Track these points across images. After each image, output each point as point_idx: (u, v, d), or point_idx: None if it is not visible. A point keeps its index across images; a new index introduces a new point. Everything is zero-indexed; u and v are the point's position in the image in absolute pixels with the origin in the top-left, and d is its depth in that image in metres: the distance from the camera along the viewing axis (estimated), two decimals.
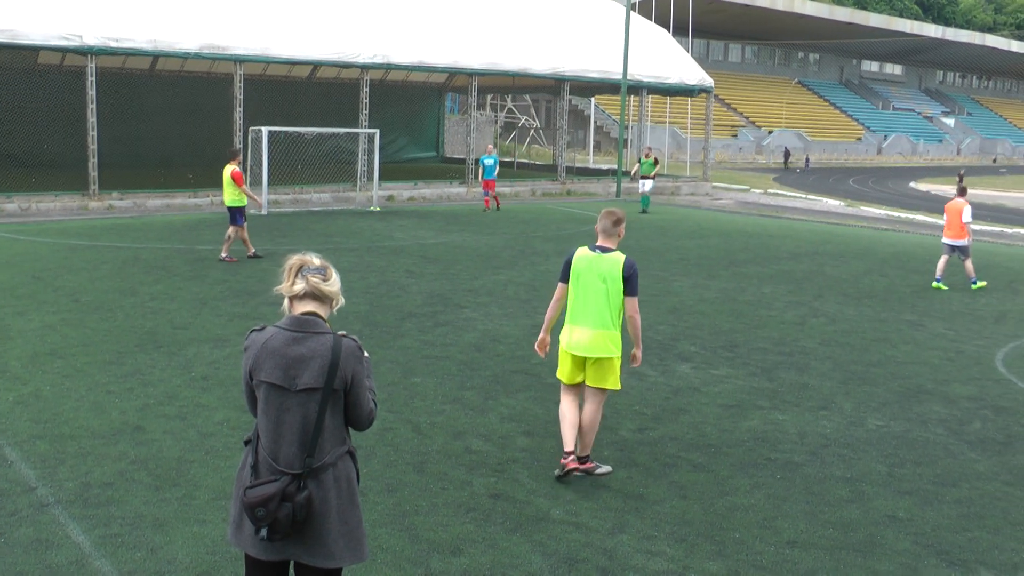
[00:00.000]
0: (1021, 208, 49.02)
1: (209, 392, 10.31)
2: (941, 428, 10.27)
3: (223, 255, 19.35)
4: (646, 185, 34.80)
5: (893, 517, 7.81)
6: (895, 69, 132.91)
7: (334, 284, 4.65)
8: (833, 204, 44.81)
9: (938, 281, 19.89)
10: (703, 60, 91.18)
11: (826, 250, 25.34)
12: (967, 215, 19.96)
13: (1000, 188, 65.73)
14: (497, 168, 32.19)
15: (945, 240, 20.36)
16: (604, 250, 8.13)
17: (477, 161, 33.50)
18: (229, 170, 19.67)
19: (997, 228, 35.52)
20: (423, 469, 8.33)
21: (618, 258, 8.10)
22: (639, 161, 35.75)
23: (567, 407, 8.28)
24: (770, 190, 51.61)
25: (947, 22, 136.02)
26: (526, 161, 57.31)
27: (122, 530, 6.92)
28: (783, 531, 7.43)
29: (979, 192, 59.08)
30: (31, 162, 34.74)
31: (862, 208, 43.01)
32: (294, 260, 4.69)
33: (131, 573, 6.32)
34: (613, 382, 8.25)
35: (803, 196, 48.88)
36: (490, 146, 32.86)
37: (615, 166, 44.07)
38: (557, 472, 8.19)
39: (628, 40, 39.71)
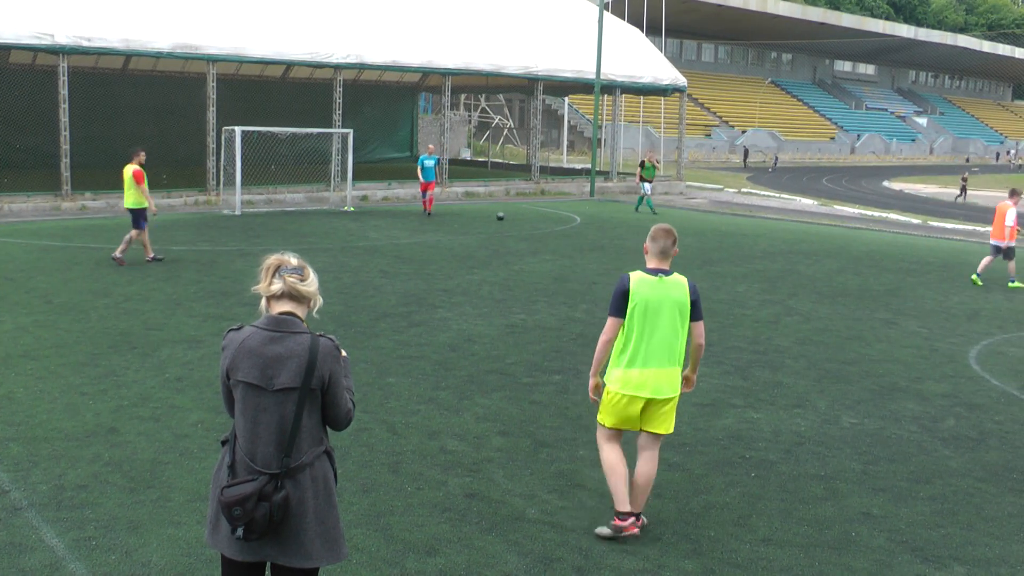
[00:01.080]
0: (993, 207, 49.26)
1: (183, 393, 10.26)
2: (915, 425, 10.33)
3: (117, 254, 18.49)
4: (647, 188, 34.82)
5: (867, 514, 7.86)
6: (868, 69, 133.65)
7: (312, 284, 4.64)
8: (807, 203, 45.02)
9: (977, 275, 20.89)
10: (676, 60, 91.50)
11: (800, 249, 25.44)
12: (1010, 218, 20.74)
13: (973, 187, 66.12)
14: (437, 169, 30.91)
15: (991, 240, 21.42)
16: (665, 273, 7.03)
17: (417, 161, 31.27)
18: (130, 170, 18.76)
19: (970, 227, 35.77)
20: (398, 469, 8.32)
21: (682, 281, 7.06)
22: (643, 166, 35.21)
23: (615, 457, 7.18)
24: (744, 189, 51.81)
25: (919, 22, 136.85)
26: (500, 161, 57.33)
27: (96, 533, 6.88)
28: (758, 529, 7.45)
29: (953, 191, 59.44)
30: (2, 162, 34.44)
31: (836, 207, 43.22)
32: (271, 260, 4.65)
33: (106, 575, 6.28)
34: (672, 424, 7.24)
35: (777, 195, 49.10)
36: (431, 146, 31.49)
37: (589, 166, 44.12)
38: (605, 532, 7.15)
39: (601, 39, 39.77)
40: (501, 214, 29.84)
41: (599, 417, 7.30)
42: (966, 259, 25.18)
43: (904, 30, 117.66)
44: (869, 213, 40.53)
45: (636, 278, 7.05)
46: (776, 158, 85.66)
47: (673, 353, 7.00)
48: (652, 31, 61.85)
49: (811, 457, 9.14)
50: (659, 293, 6.96)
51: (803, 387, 11.68)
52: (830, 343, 14.22)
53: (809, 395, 11.34)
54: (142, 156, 19.03)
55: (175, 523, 7.06)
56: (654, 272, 7.03)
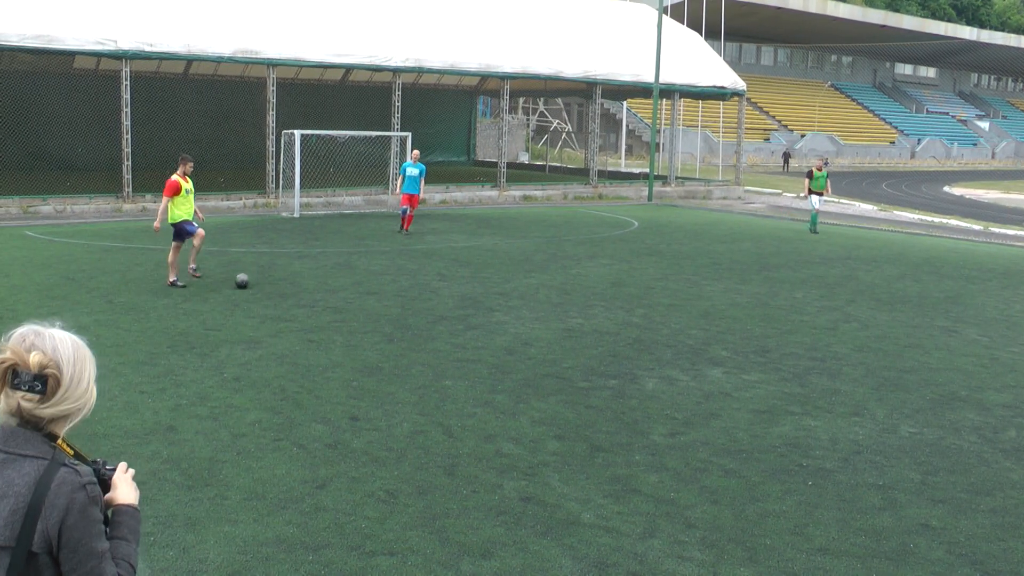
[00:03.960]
0: None
1: (241, 393, 10.37)
2: (975, 436, 10.18)
3: (191, 267, 17.47)
4: (817, 202, 30.98)
5: (926, 525, 7.75)
6: (929, 72, 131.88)
7: (65, 399, 2.81)
8: (866, 208, 44.53)
9: None
10: (735, 63, 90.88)
11: (859, 255, 25.17)
12: None
13: None
14: (423, 180, 25.89)
15: None
16: None
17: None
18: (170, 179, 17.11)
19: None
20: (454, 472, 8.34)
21: None
22: (811, 175, 30.98)
23: None
24: (802, 194, 51.32)
25: (981, 24, 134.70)
26: (558, 165, 57.31)
27: (154, 529, 6.97)
28: (814, 538, 7.38)
29: (1017, 197, 58.53)
30: (66, 165, 35.11)
31: (895, 212, 42.70)
32: (7, 352, 2.78)
33: (163, 572, 6.36)
34: None
35: (836, 200, 48.61)
36: (416, 152, 26.72)
37: (647, 170, 43.98)
38: None
39: (660, 43, 39.63)
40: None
41: None
42: None
43: (966, 32, 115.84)
44: (929, 219, 39.99)
45: None
46: (826, 162, 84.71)
47: None
48: (711, 35, 61.52)
49: (869, 466, 9.04)
50: None
51: (861, 395, 11.55)
52: (889, 351, 14.05)
53: (867, 403, 11.21)
54: (187, 165, 17.24)
55: (231, 521, 7.14)
56: None
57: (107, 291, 15.91)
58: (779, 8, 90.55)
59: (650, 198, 41.22)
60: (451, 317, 14.83)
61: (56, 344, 2.79)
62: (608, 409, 10.40)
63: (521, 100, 64.12)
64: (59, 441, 2.84)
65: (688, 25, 52.77)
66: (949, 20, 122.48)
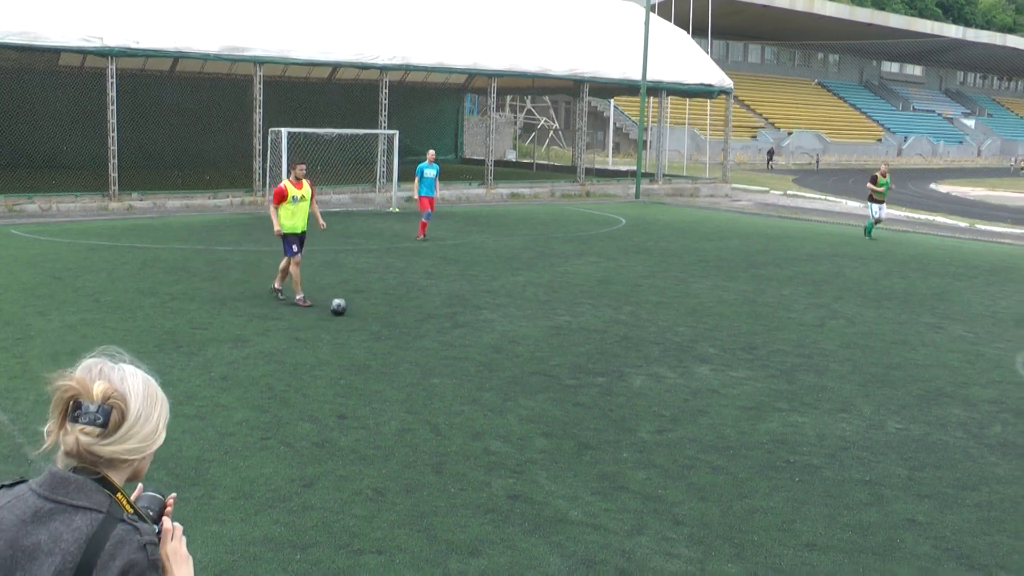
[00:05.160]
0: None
1: (228, 392, 10.35)
2: (961, 431, 10.22)
3: (299, 297, 15.35)
4: (878, 210, 29.14)
5: (912, 521, 7.78)
6: (915, 70, 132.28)
7: (129, 437, 2.48)
8: (853, 206, 44.62)
9: None
10: (722, 61, 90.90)
11: (845, 252, 25.23)
12: None
13: (1021, 190, 65.31)
14: (437, 181, 24.85)
15: None
16: None
17: (415, 171, 25.32)
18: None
19: (1019, 230, 35.31)
20: (442, 470, 8.34)
21: None
22: (876, 183, 29.17)
23: None
24: (789, 191, 51.44)
25: (967, 23, 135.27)
26: (545, 162, 57.30)
27: None
28: (802, 534, 7.41)
29: (1002, 194, 58.77)
30: (52, 163, 34.92)
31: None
32: (70, 381, 2.55)
33: None
34: None
35: (822, 198, 48.70)
36: (432, 152, 25.65)
37: (635, 167, 44.01)
38: None
39: (647, 41, 39.65)
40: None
41: None
42: (1014, 263, 24.87)
43: (952, 30, 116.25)
44: (916, 216, 40.11)
45: None
46: (817, 159, 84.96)
47: None
48: (698, 33, 61.53)
49: (856, 462, 9.07)
50: None
51: (848, 391, 11.59)
52: (875, 347, 14.09)
53: (854, 399, 11.25)
54: (297, 169, 15.78)
55: (219, 520, 7.12)
56: None
57: (93, 290, 15.86)
58: (766, 6, 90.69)
59: (637, 196, 41.26)
60: (439, 315, 14.82)
61: (125, 376, 2.54)
62: (596, 406, 10.41)
63: (508, 98, 64.10)
64: (118, 495, 2.44)
65: (675, 23, 52.84)
66: (935, 19, 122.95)
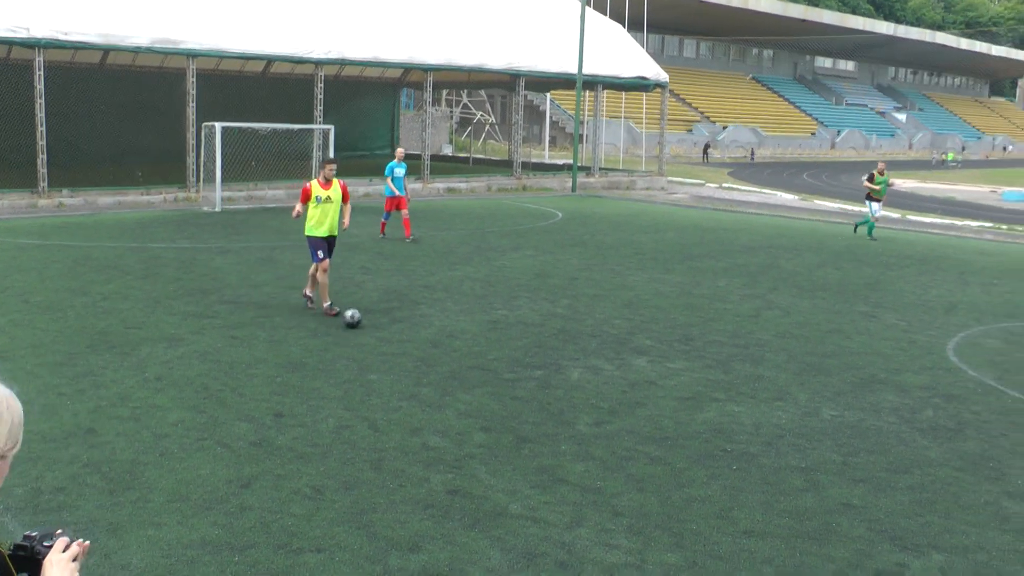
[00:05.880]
0: (970, 201, 49.62)
1: (163, 393, 10.21)
2: (894, 417, 10.38)
3: (326, 305, 14.48)
4: (877, 208, 28.37)
5: (848, 505, 7.89)
6: (848, 65, 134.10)
7: None
8: (787, 198, 45.09)
9: None
10: (658, 55, 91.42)
11: (781, 243, 25.50)
12: None
13: (950, 181, 66.50)
14: (406, 180, 24.07)
15: None
16: None
17: (384, 170, 24.50)
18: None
19: (947, 220, 35.92)
20: (380, 466, 8.30)
21: None
22: (873, 180, 28.40)
23: None
24: (725, 184, 51.88)
25: (898, 20, 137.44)
26: (482, 157, 57.24)
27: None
28: (740, 521, 7.47)
29: (931, 186, 59.72)
30: None
31: (816, 202, 43.31)
32: None
33: None
34: None
35: (758, 190, 49.17)
36: (400, 150, 25.44)
37: (571, 161, 44.11)
38: None
39: (583, 35, 39.75)
40: None
41: None
42: (945, 253, 25.30)
43: (883, 27, 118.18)
44: (849, 208, 40.62)
45: None
46: (752, 153, 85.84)
47: None
48: (634, 27, 61.79)
49: (792, 449, 9.17)
50: None
51: (784, 380, 11.71)
52: (810, 336, 14.26)
53: (790, 388, 11.37)
54: (327, 169, 14.95)
55: (155, 524, 7.02)
56: None
57: (23, 290, 15.57)
58: (701, 1, 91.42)
59: (574, 189, 41.37)
60: (375, 311, 14.75)
61: None
62: (534, 400, 10.42)
63: (445, 92, 64.01)
64: None
65: (611, 17, 52.99)
66: (867, 15, 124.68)
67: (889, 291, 18.68)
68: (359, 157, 48.55)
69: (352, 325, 13.56)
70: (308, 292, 14.95)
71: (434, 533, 7.03)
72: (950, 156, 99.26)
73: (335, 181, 14.82)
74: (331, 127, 32.64)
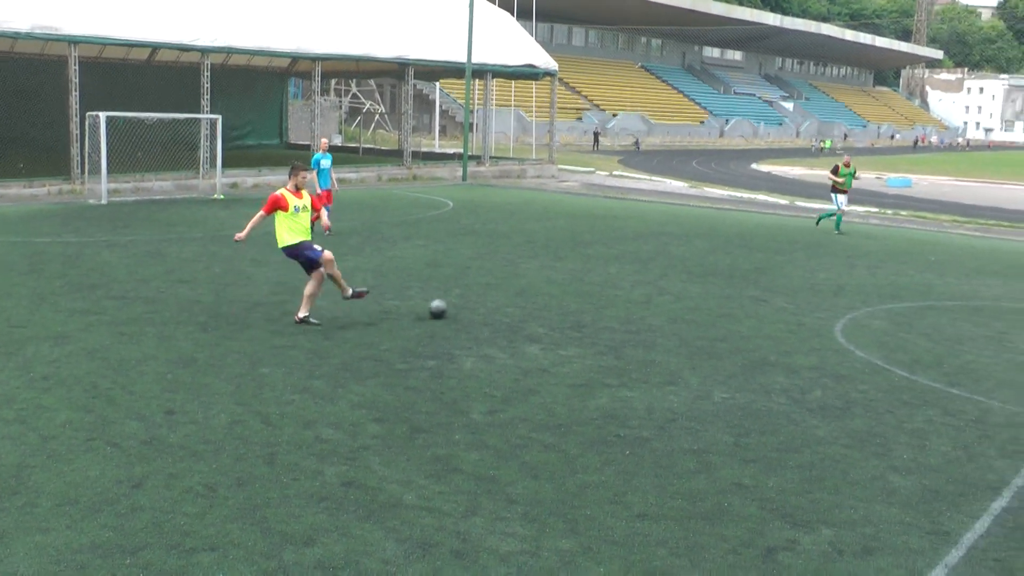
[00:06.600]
0: (856, 187, 50.73)
1: (50, 393, 9.94)
2: (784, 397, 10.61)
3: (351, 292, 14.02)
4: (843, 201, 27.84)
5: (739, 484, 8.04)
6: (736, 55, 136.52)
7: None
8: (677, 185, 45.71)
9: None
10: (547, 44, 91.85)
11: (671, 230, 25.83)
12: None
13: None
14: (333, 172, 23.79)
15: None
16: None
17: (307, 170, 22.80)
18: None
19: (833, 206, 36.72)
20: (273, 461, 8.21)
21: None
22: (837, 173, 27.76)
23: None
24: (615, 172, 52.37)
25: (784, 11, 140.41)
26: (372, 147, 56.92)
27: None
28: (633, 505, 7.56)
29: (819, 172, 60.99)
30: None
31: (706, 189, 43.98)
32: None
33: None
34: None
35: (647, 178, 49.74)
36: (324, 140, 24.92)
37: (461, 150, 44.09)
38: None
39: (472, 24, 39.74)
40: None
41: None
42: (832, 238, 25.91)
43: (770, 18, 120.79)
44: (738, 194, 41.33)
45: None
46: (637, 141, 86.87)
47: None
48: (523, 15, 61.98)
49: (684, 432, 9.31)
50: None
51: (675, 364, 11.88)
52: (701, 321, 14.48)
53: (681, 372, 11.54)
54: (300, 176, 13.57)
55: (43, 529, 6.83)
56: None
57: None
58: None
59: (464, 178, 41.39)
60: (267, 303, 14.58)
61: None
62: (427, 390, 10.40)
63: (333, 82, 63.44)
64: None
65: (500, 6, 53.07)
66: (754, 7, 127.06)
67: (778, 275, 19.07)
68: (248, 148, 47.94)
69: (438, 315, 13.84)
70: (303, 314, 13.43)
71: (329, 526, 6.98)
72: (827, 143, 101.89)
73: (304, 190, 13.73)
74: (219, 117, 32.15)
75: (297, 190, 13.45)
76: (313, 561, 6.43)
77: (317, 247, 13.46)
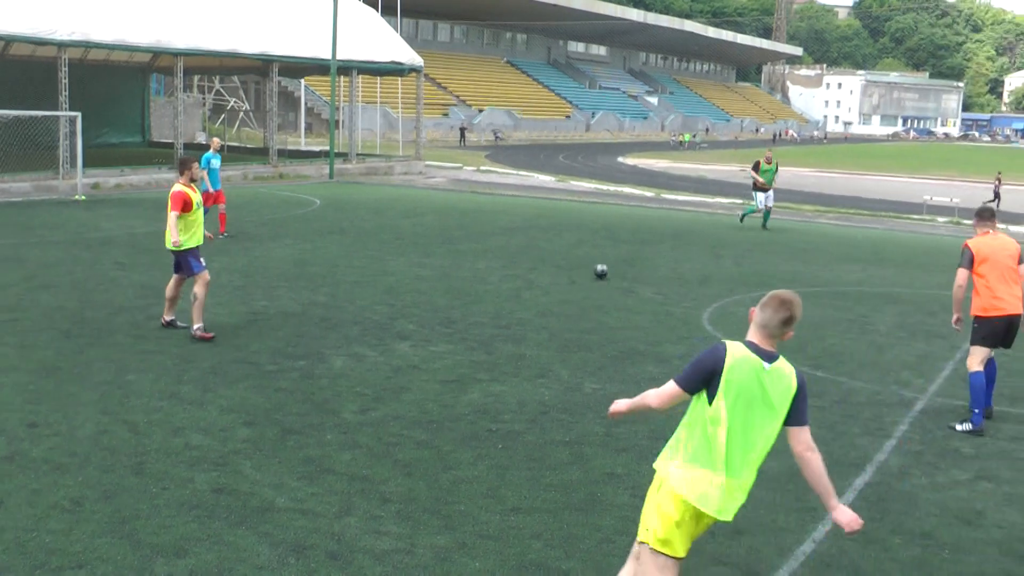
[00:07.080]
0: (720, 179, 51.95)
1: None
2: (654, 386, 10.75)
3: (199, 327, 12.56)
4: (764, 198, 27.54)
5: (612, 474, 8.17)
6: (600, 50, 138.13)
7: None
8: (544, 179, 46.06)
9: None
10: (412, 40, 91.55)
11: (539, 224, 26.04)
12: None
13: (700, 161, 69.45)
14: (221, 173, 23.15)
15: None
16: (770, 357, 5.28)
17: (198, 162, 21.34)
18: (172, 192, 12.79)
19: (699, 198, 37.50)
20: (142, 470, 8.02)
21: (788, 372, 5.30)
22: (758, 170, 27.51)
23: None
24: (482, 167, 52.55)
25: (648, 7, 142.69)
26: (236, 144, 55.97)
27: None
28: (507, 499, 7.61)
29: (683, 165, 62.18)
30: None
31: (572, 183, 44.43)
32: None
33: None
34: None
35: (515, 172, 50.03)
36: (216, 140, 24.34)
37: (327, 147, 43.71)
38: None
39: (336, 20, 39.42)
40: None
41: (656, 540, 5.27)
42: (696, 228, 26.45)
43: (634, 14, 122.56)
44: (604, 187, 41.84)
45: (736, 354, 5.39)
46: (497, 135, 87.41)
47: (756, 463, 5.39)
48: (387, 11, 61.67)
49: (556, 425, 9.41)
50: (763, 382, 5.27)
51: (546, 358, 11.99)
52: (571, 314, 14.64)
53: (552, 365, 11.65)
54: (194, 169, 13.01)
55: None
56: (758, 352, 5.34)
57: None
58: None
59: (331, 176, 41.05)
60: (132, 308, 14.24)
61: None
62: (297, 391, 10.31)
63: (196, 78, 62.26)
64: None
65: (364, 2, 52.71)
66: (617, 2, 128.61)
67: (646, 266, 19.39)
68: (110, 146, 46.69)
69: (601, 276, 17.43)
70: (169, 317, 13.02)
71: (200, 535, 6.86)
72: (686, 137, 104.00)
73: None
74: (78, 114, 31.19)
75: (191, 182, 12.85)
76: (185, 572, 6.31)
77: (202, 260, 12.98)
